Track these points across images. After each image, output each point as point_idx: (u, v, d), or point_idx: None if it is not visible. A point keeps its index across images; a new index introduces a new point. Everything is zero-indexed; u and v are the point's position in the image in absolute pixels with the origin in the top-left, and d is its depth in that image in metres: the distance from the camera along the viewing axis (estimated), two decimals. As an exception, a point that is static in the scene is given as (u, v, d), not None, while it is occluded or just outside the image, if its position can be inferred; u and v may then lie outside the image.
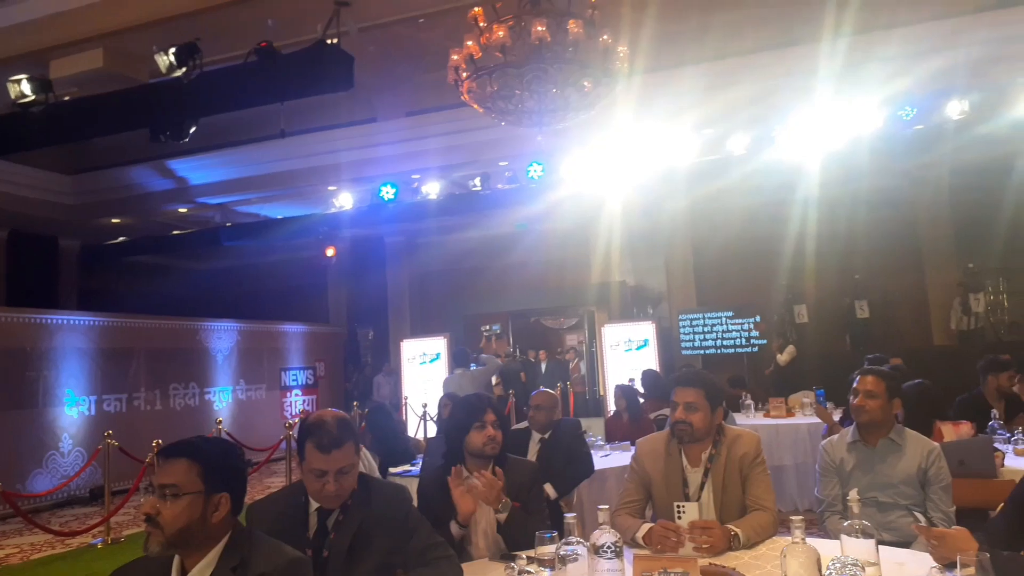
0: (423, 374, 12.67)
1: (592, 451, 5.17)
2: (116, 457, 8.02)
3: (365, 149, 10.69)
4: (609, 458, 5.51)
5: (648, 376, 7.42)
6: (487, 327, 14.83)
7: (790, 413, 7.54)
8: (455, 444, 3.11)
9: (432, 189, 11.03)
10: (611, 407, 8.12)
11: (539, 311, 15.92)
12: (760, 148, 9.57)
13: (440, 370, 12.46)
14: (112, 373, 10.29)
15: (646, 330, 12.27)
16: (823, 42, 8.48)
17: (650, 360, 11.84)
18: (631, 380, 8.60)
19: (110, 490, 7.83)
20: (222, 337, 12.29)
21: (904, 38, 8.37)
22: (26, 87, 6.70)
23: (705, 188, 11.62)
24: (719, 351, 12.33)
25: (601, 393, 12.60)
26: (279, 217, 13.17)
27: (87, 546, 7.35)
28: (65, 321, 9.85)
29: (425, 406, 11.49)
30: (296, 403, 13.84)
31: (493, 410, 3.08)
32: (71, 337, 9.85)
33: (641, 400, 7.02)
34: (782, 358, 11.14)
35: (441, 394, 9.38)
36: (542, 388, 5.05)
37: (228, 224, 12.98)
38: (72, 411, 9.77)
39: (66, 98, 6.92)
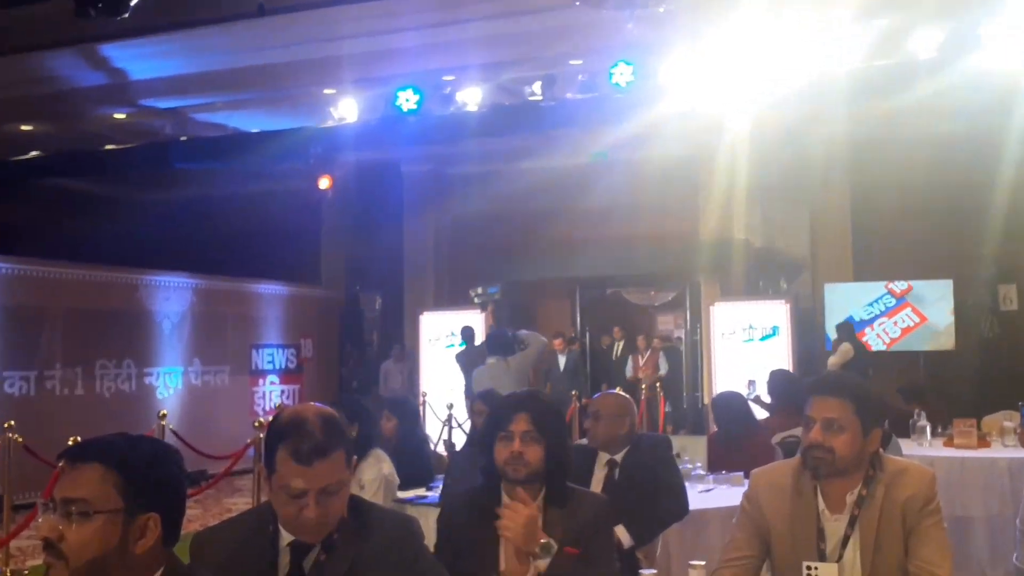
0: (449, 361, 12.73)
1: (687, 483, 5.15)
2: (20, 459, 8.26)
3: (377, 37, 10.67)
4: (711, 494, 5.51)
5: (778, 379, 7.34)
6: (477, 291, 14.35)
7: (983, 442, 7.40)
8: (488, 465, 3.15)
9: (471, 97, 11.01)
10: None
11: (620, 279, 15.83)
12: (959, 51, 9.29)
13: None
14: (15, 341, 10.57)
15: (776, 312, 12.14)
16: None
17: (781, 355, 11.77)
18: (751, 384, 8.47)
19: (10, 503, 8.09)
20: (170, 297, 12.52)
21: None
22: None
23: (874, 108, 11.36)
24: (885, 346, 12.13)
25: (705, 401, 12.55)
26: (254, 131, 13.27)
27: (-24, 580, 7.62)
28: (-50, 267, 10.15)
29: (451, 408, 11.57)
30: (271, 394, 14.08)
31: (531, 413, 3.09)
32: (-42, 290, 10.15)
33: (767, 414, 6.94)
34: (833, 360, 11.13)
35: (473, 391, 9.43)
36: (617, 390, 5.04)
37: (182, 138, 13.15)
38: (-43, 393, 10.10)
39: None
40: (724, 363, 12.18)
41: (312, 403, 2.59)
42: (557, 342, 13.37)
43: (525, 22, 10.04)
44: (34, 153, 13.99)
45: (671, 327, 15.83)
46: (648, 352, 14.32)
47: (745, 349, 12.12)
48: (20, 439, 8.27)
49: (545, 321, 15.05)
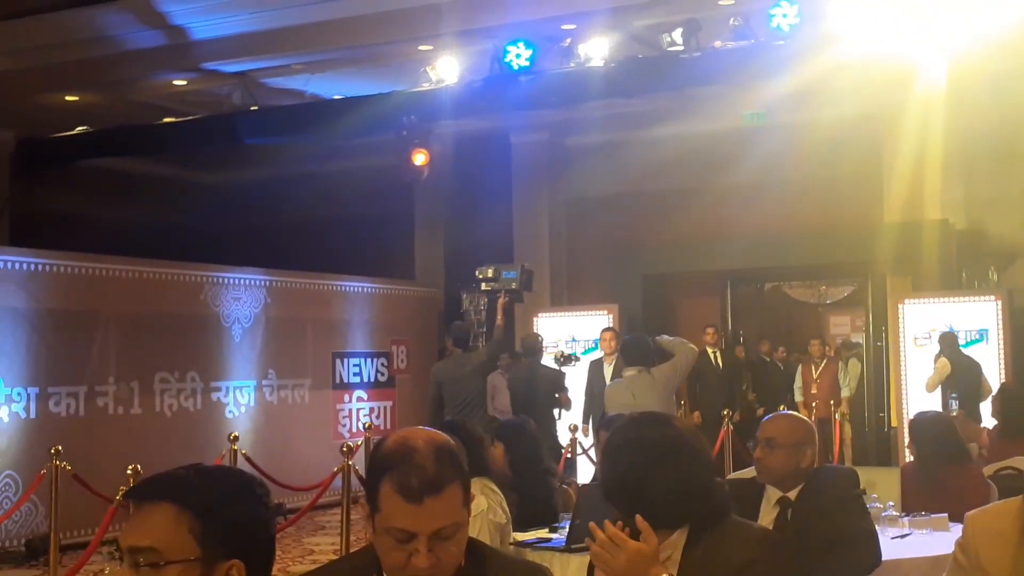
0: (572, 373, 12.71)
1: (878, 528, 5.08)
2: (69, 490, 8.47)
3: (481, -19, 10.76)
4: (907, 541, 5.45)
5: (1010, 398, 7.14)
6: (487, 272, 11.70)
7: None
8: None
9: (596, 50, 11.01)
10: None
11: (781, 271, 15.69)
12: None
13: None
14: (61, 352, 10.85)
15: (984, 311, 11.91)
16: None
17: (990, 366, 11.46)
18: (953, 399, 8.20)
19: (58, 543, 8.29)
20: (241, 297, 12.74)
21: None
22: None
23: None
24: None
25: (893, 423, 12.27)
26: (336, 98, 13.41)
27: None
28: (-16, 263, 10.46)
29: (574, 430, 11.53)
30: (358, 412, 14.26)
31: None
32: (-4, 289, 10.45)
33: (972, 444, 6.75)
34: (931, 379, 10.91)
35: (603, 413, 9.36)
36: (785, 410, 4.97)
37: (252, 109, 13.35)
38: (-5, 411, 10.40)
39: None
40: (917, 376, 11.80)
41: (422, 428, 2.58)
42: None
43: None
44: (80, 128, 14.26)
45: (847, 330, 15.52)
46: (824, 362, 14.15)
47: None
48: (69, 467, 8.47)
49: (687, 323, 14.93)
